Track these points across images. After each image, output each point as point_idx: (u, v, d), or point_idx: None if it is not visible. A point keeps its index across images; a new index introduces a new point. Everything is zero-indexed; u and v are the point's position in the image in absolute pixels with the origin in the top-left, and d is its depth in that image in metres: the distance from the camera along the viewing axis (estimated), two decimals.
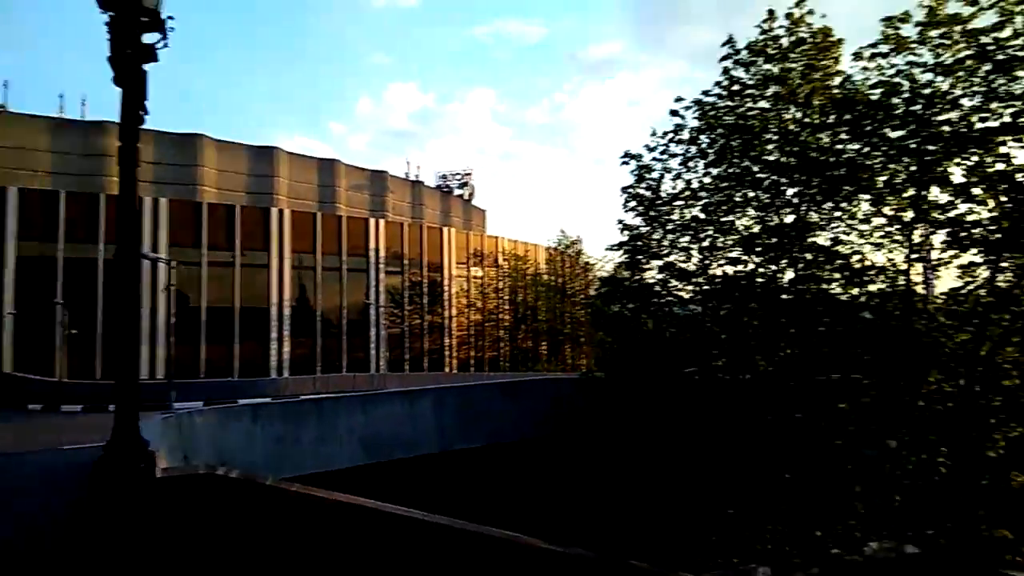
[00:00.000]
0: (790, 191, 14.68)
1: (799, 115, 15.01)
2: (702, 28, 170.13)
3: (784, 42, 15.48)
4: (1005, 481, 12.25)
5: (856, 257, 13.76)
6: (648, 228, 17.01)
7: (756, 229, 15.08)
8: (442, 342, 54.14)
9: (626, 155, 17.31)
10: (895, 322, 12.84)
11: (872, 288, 13.59)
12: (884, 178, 13.40)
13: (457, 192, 73.40)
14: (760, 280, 14.50)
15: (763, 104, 15.68)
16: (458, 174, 74.72)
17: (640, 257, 17.11)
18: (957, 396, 12.70)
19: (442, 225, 60.36)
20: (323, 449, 16.95)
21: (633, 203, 17.15)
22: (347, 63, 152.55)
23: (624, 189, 17.29)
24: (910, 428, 12.45)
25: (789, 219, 14.94)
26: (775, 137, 14.95)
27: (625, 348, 17.41)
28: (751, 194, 15.23)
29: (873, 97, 13.46)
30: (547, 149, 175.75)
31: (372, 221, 52.42)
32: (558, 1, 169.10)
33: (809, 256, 13.91)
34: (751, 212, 15.37)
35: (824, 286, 13.80)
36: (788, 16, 15.49)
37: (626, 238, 17.29)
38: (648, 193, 16.98)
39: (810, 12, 15.41)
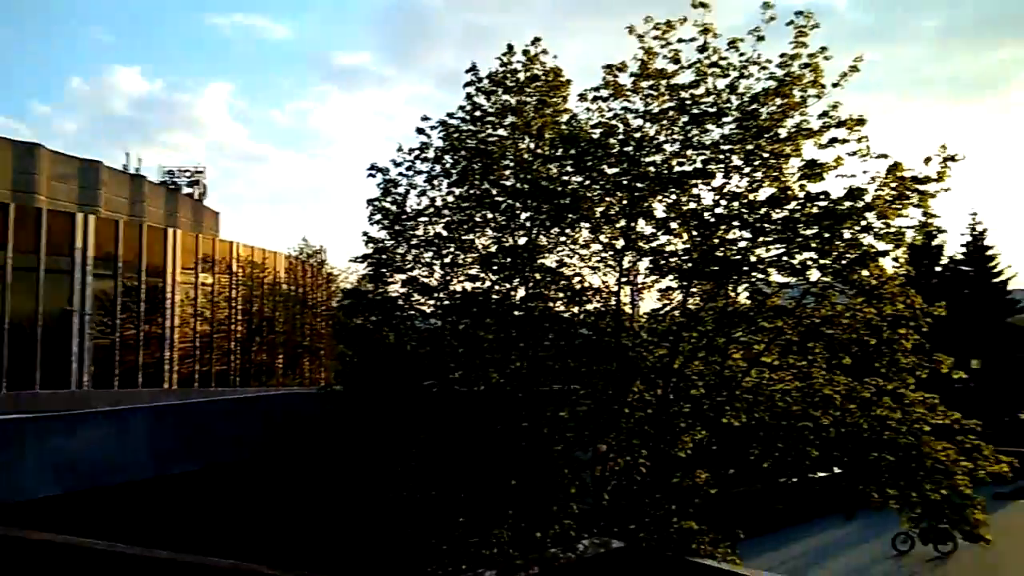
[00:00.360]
0: (524, 215, 15.77)
1: (532, 145, 16.22)
2: (448, 52, 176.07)
3: (521, 76, 16.67)
4: (692, 478, 14.18)
5: (577, 279, 15.16)
6: (393, 242, 17.17)
7: (493, 249, 15.94)
8: (162, 355, 49.24)
9: (372, 168, 17.37)
10: (607, 338, 14.32)
11: (589, 307, 15.02)
12: (601, 209, 14.90)
13: (186, 191, 67.55)
14: (495, 297, 15.33)
15: (501, 132, 16.70)
16: (188, 171, 68.88)
17: (384, 270, 17.20)
18: (655, 404, 14.46)
19: (167, 226, 54.94)
20: (8, 477, 14.57)
21: (379, 216, 17.22)
22: (57, 33, 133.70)
23: (370, 201, 17.31)
24: (618, 433, 13.94)
25: (522, 241, 16.03)
26: (512, 164, 15.99)
27: (366, 361, 17.34)
28: (489, 215, 16.10)
29: (594, 136, 14.94)
30: (291, 154, 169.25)
31: (80, 216, 46.23)
32: (306, 3, 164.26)
33: (538, 276, 15.03)
34: (489, 232, 16.25)
35: (550, 304, 15.00)
36: (525, 53, 16.73)
37: (371, 250, 17.29)
38: (394, 207, 17.16)
39: (544, 52, 16.81)
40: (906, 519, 12.99)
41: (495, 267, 15.44)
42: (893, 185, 12.53)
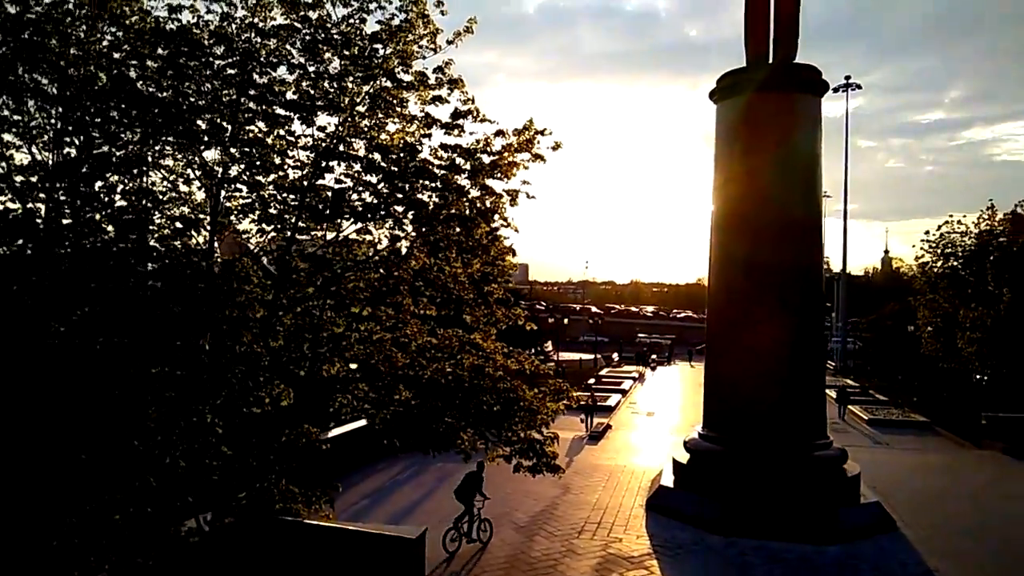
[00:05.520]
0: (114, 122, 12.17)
1: (110, 38, 12.58)
2: None
3: None
4: (295, 433, 12.99)
5: (169, 208, 12.38)
6: None
7: (43, 158, 11.95)
8: None
9: None
10: (219, 281, 12.13)
11: (181, 243, 12.48)
12: (202, 125, 12.51)
13: None
14: (54, 224, 11.51)
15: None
16: None
17: None
18: (245, 357, 12.66)
19: None
20: None
21: None
22: None
23: None
24: (231, 389, 11.95)
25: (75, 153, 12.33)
26: (77, 53, 12.09)
27: None
28: (36, 117, 11.99)
29: (196, 36, 12.47)
30: None
31: None
32: None
33: (122, 202, 11.78)
34: (39, 141, 12.11)
35: (151, 239, 11.95)
36: None
37: None
38: None
39: None
40: (495, 453, 14.08)
41: (48, 185, 11.59)
42: (516, 146, 13.27)
